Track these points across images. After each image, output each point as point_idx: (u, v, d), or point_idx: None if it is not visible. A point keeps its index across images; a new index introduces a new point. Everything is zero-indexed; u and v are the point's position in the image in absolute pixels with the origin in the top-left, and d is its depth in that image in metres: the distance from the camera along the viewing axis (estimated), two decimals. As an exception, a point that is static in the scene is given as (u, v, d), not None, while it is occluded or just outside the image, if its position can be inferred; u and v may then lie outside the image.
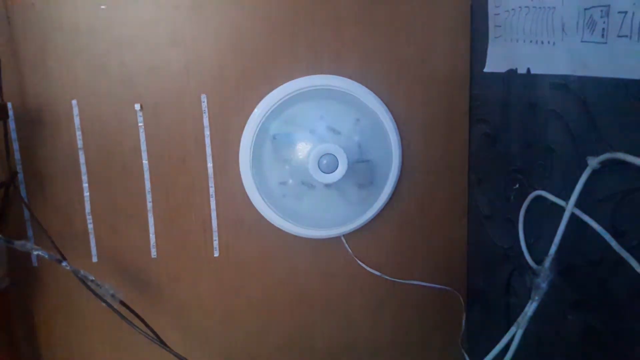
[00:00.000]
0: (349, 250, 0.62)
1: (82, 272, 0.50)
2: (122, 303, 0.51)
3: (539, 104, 0.46)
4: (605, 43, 0.35)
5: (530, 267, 0.47)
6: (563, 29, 0.40)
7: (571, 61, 0.40)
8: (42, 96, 0.56)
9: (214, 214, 0.60)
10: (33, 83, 0.55)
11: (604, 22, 0.35)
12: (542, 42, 0.43)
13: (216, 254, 0.61)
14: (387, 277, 0.63)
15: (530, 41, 0.45)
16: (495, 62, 0.53)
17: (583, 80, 0.39)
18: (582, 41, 0.38)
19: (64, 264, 0.50)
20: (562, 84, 0.42)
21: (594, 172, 0.39)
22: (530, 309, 0.41)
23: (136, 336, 0.52)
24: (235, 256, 0.61)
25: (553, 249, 0.42)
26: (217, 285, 0.62)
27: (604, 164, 0.37)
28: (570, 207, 0.40)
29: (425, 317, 0.66)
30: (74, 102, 0.56)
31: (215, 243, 0.60)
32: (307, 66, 0.57)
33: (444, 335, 0.66)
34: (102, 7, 0.54)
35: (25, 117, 0.56)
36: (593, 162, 0.38)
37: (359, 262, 0.63)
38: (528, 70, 0.46)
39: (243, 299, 0.62)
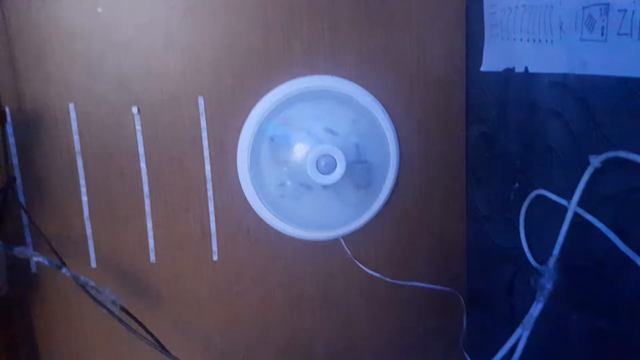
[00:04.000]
0: (348, 251, 0.62)
1: (82, 278, 0.50)
2: (123, 309, 0.51)
3: (537, 103, 0.45)
4: (605, 41, 0.35)
5: (534, 268, 0.46)
6: (561, 28, 0.40)
7: (570, 59, 0.39)
8: (39, 100, 0.55)
9: (212, 217, 0.59)
10: (30, 87, 0.55)
11: (603, 21, 0.35)
12: (540, 41, 0.43)
13: (215, 258, 0.60)
14: (386, 279, 0.63)
15: (528, 40, 0.45)
16: (491, 61, 0.53)
17: (582, 78, 0.39)
18: (581, 39, 0.38)
19: (64, 270, 0.50)
20: (561, 82, 0.41)
21: (596, 171, 0.38)
22: (535, 309, 0.41)
23: (137, 342, 0.51)
24: (235, 259, 0.61)
25: (557, 249, 0.41)
26: (216, 289, 0.61)
27: (606, 162, 0.37)
28: (573, 206, 0.40)
29: (425, 319, 0.65)
30: (71, 105, 0.56)
31: (214, 247, 0.60)
32: (303, 67, 0.57)
33: (445, 337, 0.66)
34: (99, 10, 0.54)
35: (22, 121, 0.56)
36: (595, 161, 0.38)
37: (358, 263, 0.62)
38: (526, 69, 0.46)
39: (243, 302, 0.62)
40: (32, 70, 0.55)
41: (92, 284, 0.50)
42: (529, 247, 0.49)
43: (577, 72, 0.39)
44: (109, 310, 0.50)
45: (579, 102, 0.40)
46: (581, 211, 0.40)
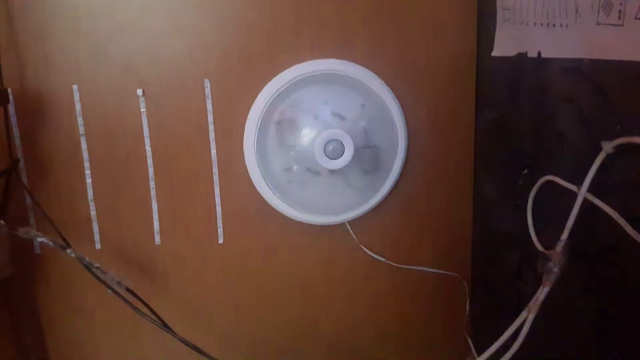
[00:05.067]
0: (354, 236, 0.62)
1: (86, 259, 0.50)
2: (129, 290, 0.51)
3: (549, 88, 0.45)
4: (622, 25, 0.35)
5: (541, 252, 0.46)
6: (577, 11, 0.39)
7: (585, 44, 0.39)
8: (43, 81, 0.54)
9: (218, 201, 0.59)
10: (33, 68, 0.54)
11: (621, 4, 0.35)
12: (555, 25, 0.43)
13: (220, 241, 0.60)
14: (391, 263, 0.63)
15: (542, 24, 0.44)
16: (503, 46, 0.52)
17: (597, 63, 0.39)
18: (597, 23, 0.37)
19: (68, 251, 0.50)
20: (575, 67, 0.41)
21: (608, 157, 0.38)
22: (542, 293, 0.41)
23: (141, 323, 0.51)
24: (240, 243, 0.61)
25: (565, 233, 0.41)
26: (221, 272, 0.61)
27: (618, 148, 0.37)
28: (583, 191, 0.40)
29: (429, 303, 0.66)
30: (75, 87, 0.55)
31: (220, 230, 0.60)
32: (312, 50, 0.56)
33: (448, 321, 0.66)
34: None
35: (25, 103, 0.55)
36: (607, 146, 0.38)
37: (363, 248, 0.62)
38: (539, 53, 0.46)
39: (248, 286, 0.62)
40: (35, 51, 0.54)
41: (97, 264, 0.50)
42: (537, 232, 0.49)
43: (592, 56, 0.39)
44: (114, 290, 0.50)
45: (593, 87, 0.40)
46: (591, 196, 0.40)
